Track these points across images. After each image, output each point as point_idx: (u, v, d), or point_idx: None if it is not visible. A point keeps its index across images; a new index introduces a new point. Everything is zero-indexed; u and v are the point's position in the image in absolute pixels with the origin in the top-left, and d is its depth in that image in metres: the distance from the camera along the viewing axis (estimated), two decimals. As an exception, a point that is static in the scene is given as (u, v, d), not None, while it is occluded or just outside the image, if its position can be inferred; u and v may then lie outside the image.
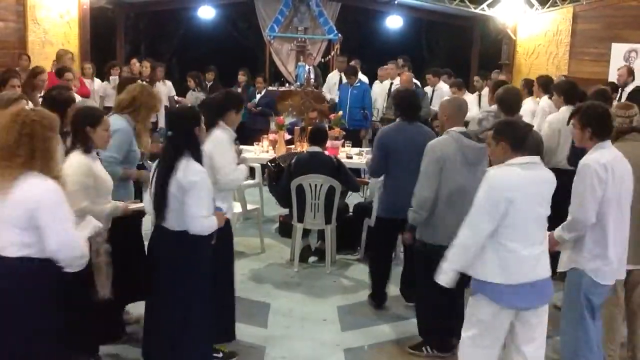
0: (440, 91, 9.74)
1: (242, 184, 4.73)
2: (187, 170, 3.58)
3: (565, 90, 5.87)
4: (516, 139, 3.49)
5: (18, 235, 2.94)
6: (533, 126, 4.32)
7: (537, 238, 3.48)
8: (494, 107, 5.36)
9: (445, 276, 3.57)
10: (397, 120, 5.22)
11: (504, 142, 3.50)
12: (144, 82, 5.27)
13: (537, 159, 3.54)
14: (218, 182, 4.18)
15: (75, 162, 3.79)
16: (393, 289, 5.57)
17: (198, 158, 3.65)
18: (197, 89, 9.76)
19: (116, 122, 4.40)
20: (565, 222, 3.79)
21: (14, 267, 2.97)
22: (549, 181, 3.53)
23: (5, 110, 3.06)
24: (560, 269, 3.91)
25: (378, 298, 5.47)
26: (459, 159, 4.30)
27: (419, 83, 9.86)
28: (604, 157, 3.73)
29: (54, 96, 4.57)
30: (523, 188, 3.41)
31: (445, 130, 4.50)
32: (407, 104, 5.24)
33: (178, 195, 3.58)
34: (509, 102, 5.06)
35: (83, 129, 3.86)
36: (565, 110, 5.52)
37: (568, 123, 4.06)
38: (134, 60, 10.00)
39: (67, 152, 3.89)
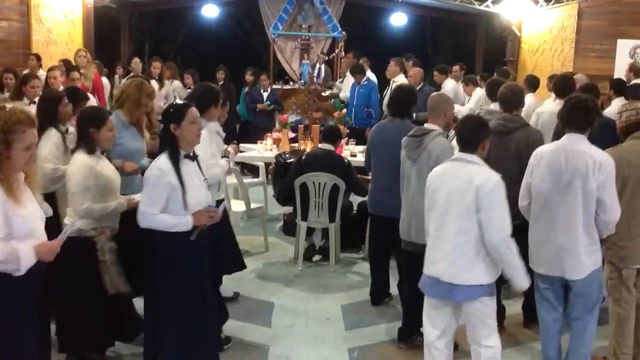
0: (445, 89, 9.69)
1: (221, 179, 4.69)
2: (151, 165, 3.65)
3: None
4: None
5: None
6: None
7: None
8: (494, 105, 5.30)
9: None
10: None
11: None
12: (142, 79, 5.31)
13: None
14: None
15: (77, 164, 3.84)
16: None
17: (173, 154, 3.59)
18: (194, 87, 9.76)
19: None
20: (600, 226, 3.77)
21: None
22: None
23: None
24: (582, 275, 3.81)
25: (372, 294, 5.50)
26: None
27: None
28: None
29: (42, 96, 4.85)
30: None
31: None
32: (391, 101, 5.33)
33: None
34: (506, 100, 4.94)
35: (87, 130, 3.90)
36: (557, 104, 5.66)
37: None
38: (136, 60, 9.97)
39: (72, 152, 3.97)
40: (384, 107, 9.69)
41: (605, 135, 4.71)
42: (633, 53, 10.09)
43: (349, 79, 10.40)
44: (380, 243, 5.36)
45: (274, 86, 11.56)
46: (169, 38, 19.74)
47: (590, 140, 3.86)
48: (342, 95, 10.23)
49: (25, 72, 7.59)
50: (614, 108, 5.75)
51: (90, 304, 3.87)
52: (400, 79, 9.51)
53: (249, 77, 10.42)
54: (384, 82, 10.11)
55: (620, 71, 9.16)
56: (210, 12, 14.49)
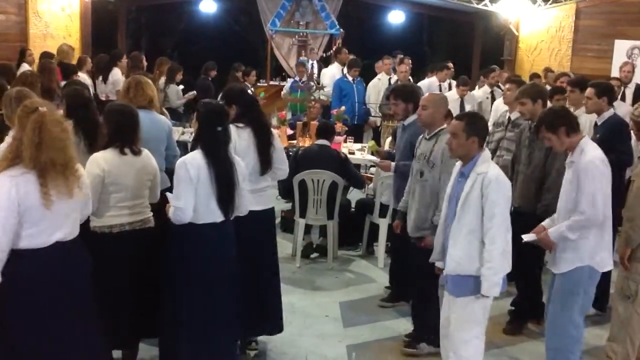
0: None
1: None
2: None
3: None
4: None
5: (79, 214, 3.26)
6: None
7: None
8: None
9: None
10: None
11: None
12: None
13: None
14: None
15: None
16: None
17: (207, 150, 3.66)
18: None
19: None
20: (570, 222, 3.72)
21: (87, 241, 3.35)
22: None
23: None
24: (562, 269, 3.82)
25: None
26: None
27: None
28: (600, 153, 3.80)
29: None
30: None
31: (438, 127, 4.40)
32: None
33: None
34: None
35: None
36: None
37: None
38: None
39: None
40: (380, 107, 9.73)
41: (615, 132, 4.82)
42: (630, 53, 10.13)
43: (328, 72, 10.38)
44: None
45: (271, 82, 11.56)
46: (167, 33, 19.65)
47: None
48: (326, 89, 10.00)
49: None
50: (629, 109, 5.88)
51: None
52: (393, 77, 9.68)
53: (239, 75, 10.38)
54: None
55: (617, 72, 9.18)
56: (208, 7, 14.46)
